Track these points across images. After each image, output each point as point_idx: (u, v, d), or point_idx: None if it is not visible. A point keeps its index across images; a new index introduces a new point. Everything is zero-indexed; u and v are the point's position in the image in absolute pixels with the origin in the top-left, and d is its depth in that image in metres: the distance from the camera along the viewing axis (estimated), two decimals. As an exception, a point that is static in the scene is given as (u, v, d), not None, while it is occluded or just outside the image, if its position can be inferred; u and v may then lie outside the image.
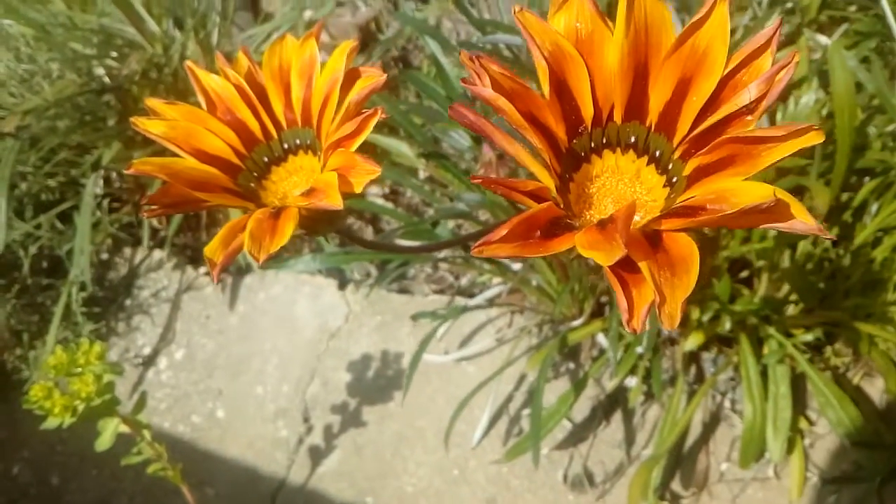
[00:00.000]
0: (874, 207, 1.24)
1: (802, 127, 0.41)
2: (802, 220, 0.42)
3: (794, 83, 1.25)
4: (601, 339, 1.43)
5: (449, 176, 1.36)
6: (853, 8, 1.52)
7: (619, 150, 0.50)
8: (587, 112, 0.48)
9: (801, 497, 1.29)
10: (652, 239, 0.43)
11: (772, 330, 1.25)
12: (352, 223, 1.79)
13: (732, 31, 1.38)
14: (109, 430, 1.12)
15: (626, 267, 0.41)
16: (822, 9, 1.33)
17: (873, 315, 1.26)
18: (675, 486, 1.36)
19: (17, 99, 1.54)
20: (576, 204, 0.49)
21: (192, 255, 1.70)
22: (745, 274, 1.37)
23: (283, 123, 0.66)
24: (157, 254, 1.70)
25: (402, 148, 1.56)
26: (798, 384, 1.30)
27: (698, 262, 0.41)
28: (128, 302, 1.68)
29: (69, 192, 1.61)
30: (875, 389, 1.35)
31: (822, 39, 1.16)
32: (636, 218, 0.48)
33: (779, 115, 1.18)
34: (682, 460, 1.37)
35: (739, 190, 0.43)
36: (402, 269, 1.54)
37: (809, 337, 1.27)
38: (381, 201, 1.79)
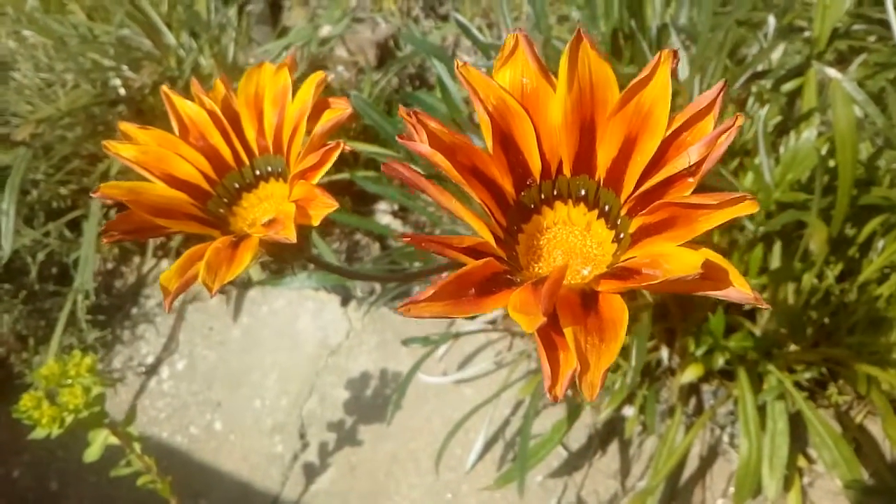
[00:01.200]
0: (881, 244, 1.21)
1: (736, 196, 0.40)
2: (738, 289, 0.41)
3: (801, 116, 1.23)
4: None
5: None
6: (872, 38, 1.49)
7: (570, 201, 0.50)
8: (535, 165, 0.48)
9: (798, 537, 1.26)
10: (587, 299, 0.42)
11: (771, 366, 1.23)
12: (359, 239, 1.79)
13: (741, 60, 1.36)
14: (98, 442, 1.13)
15: (557, 329, 0.40)
16: (834, 40, 1.30)
17: (877, 354, 1.23)
18: (670, 519, 1.34)
19: (32, 107, 1.56)
20: (524, 255, 0.49)
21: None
22: (749, 307, 1.35)
23: (256, 150, 0.66)
24: (164, 264, 1.72)
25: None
26: (798, 421, 1.27)
27: (625, 328, 0.40)
28: (133, 311, 1.70)
29: (80, 201, 1.63)
30: (879, 429, 1.32)
31: (832, 72, 1.14)
32: (584, 272, 0.47)
33: (781, 149, 1.16)
34: (677, 493, 1.34)
35: (672, 256, 0.41)
36: (406, 287, 1.53)
37: (809, 375, 1.25)
38: (389, 218, 1.79)
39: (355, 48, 2.11)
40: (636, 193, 0.46)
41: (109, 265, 1.71)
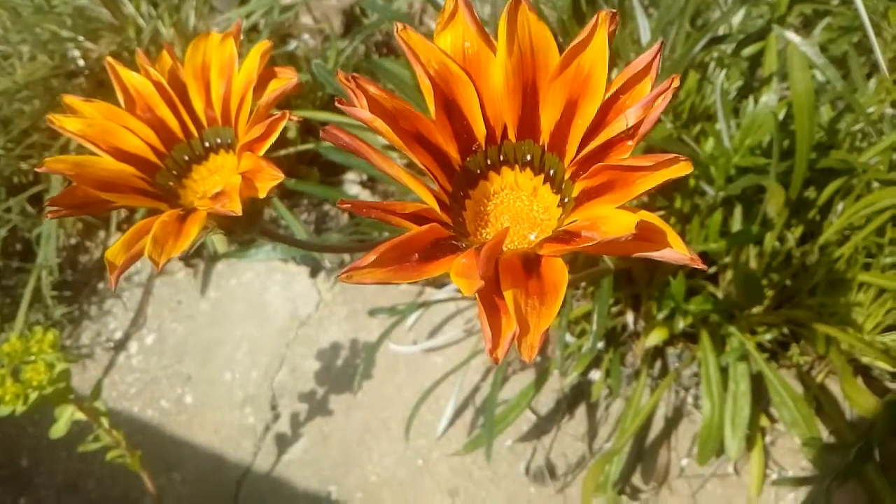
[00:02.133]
0: (840, 206, 1.23)
1: (670, 157, 0.40)
2: (675, 250, 0.41)
3: (764, 79, 1.24)
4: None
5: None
6: (835, 1, 1.50)
7: (517, 167, 0.50)
8: (479, 130, 0.48)
9: (761, 494, 1.29)
10: (530, 263, 0.42)
11: (732, 328, 1.25)
12: (328, 210, 1.79)
13: (703, 25, 1.36)
14: (65, 418, 1.12)
15: (499, 293, 0.40)
16: (795, 4, 1.31)
17: (836, 315, 1.25)
18: (636, 480, 1.36)
19: (-13, 81, 1.53)
20: (472, 222, 0.49)
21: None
22: (713, 270, 1.36)
23: (205, 122, 0.66)
24: (131, 238, 1.70)
25: (376, 137, 1.55)
26: (760, 382, 1.30)
27: (564, 290, 0.41)
28: (100, 285, 1.68)
29: (41, 176, 1.61)
30: (840, 388, 1.35)
31: (792, 36, 1.14)
32: (531, 237, 0.47)
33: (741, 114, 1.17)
34: (643, 455, 1.37)
35: (609, 218, 0.42)
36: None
37: (770, 336, 1.27)
38: (357, 188, 1.78)
39: (320, 15, 2.08)
40: (578, 157, 0.47)
41: (73, 240, 1.69)
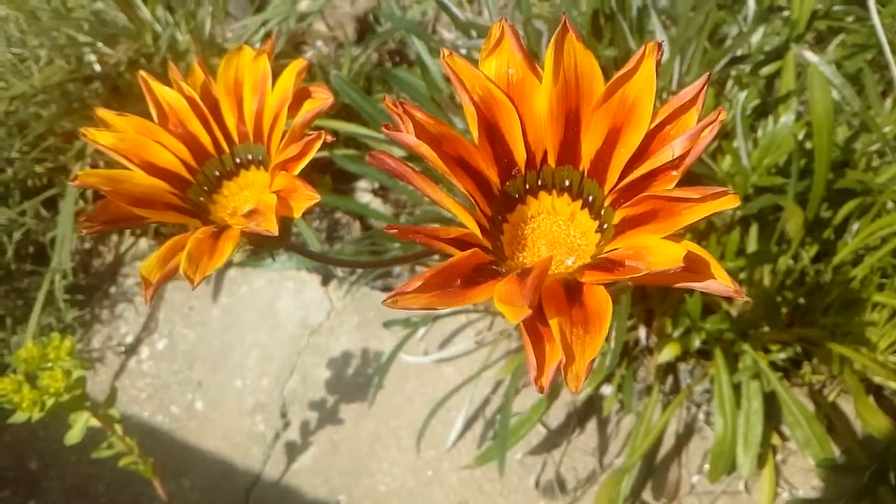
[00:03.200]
0: (855, 226, 1.23)
1: (718, 191, 0.41)
2: (719, 281, 0.41)
3: (779, 99, 1.24)
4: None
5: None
6: (850, 18, 1.50)
7: (554, 192, 0.50)
8: (520, 156, 0.48)
9: (771, 512, 1.29)
10: (572, 290, 0.42)
11: (746, 346, 1.25)
12: (340, 217, 1.79)
13: (721, 40, 1.36)
14: (80, 425, 1.13)
15: (542, 320, 0.41)
16: (814, 20, 1.31)
17: (850, 334, 1.25)
18: (646, 496, 1.36)
19: (5, 84, 1.54)
20: (509, 245, 0.49)
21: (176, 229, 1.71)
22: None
23: (236, 137, 0.66)
24: (143, 242, 1.71)
25: (391, 148, 1.55)
26: (772, 400, 1.30)
27: (609, 320, 0.41)
28: (112, 290, 1.69)
29: (56, 179, 1.61)
30: (851, 407, 1.35)
31: (810, 56, 1.15)
32: (568, 262, 0.47)
33: (759, 132, 1.17)
34: (654, 471, 1.37)
35: (655, 249, 0.42)
36: (387, 268, 1.54)
37: (783, 355, 1.27)
38: (369, 197, 1.79)
39: (334, 23, 2.09)
40: (620, 185, 0.47)
41: (87, 244, 1.69)
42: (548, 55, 0.46)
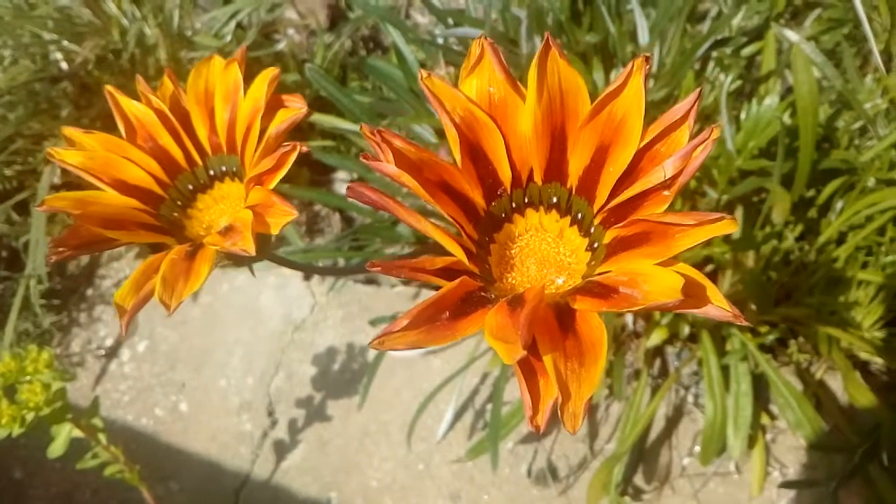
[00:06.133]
0: (839, 205, 1.23)
1: (715, 216, 0.39)
2: (717, 306, 0.40)
3: (762, 77, 1.23)
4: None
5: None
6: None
7: (542, 208, 0.48)
8: (505, 175, 0.46)
9: (762, 492, 1.30)
10: (564, 318, 0.41)
11: (733, 329, 1.24)
12: (319, 210, 1.76)
13: (700, 18, 1.34)
14: (62, 437, 1.10)
15: (534, 352, 0.39)
16: (792, -1, 1.30)
17: (836, 314, 1.25)
18: (638, 480, 1.36)
19: (-32, 86, 1.49)
20: (497, 266, 0.47)
21: (153, 244, 1.67)
22: (710, 268, 1.36)
23: (209, 149, 0.64)
24: (119, 243, 1.67)
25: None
26: (760, 380, 1.30)
27: (606, 351, 0.39)
28: (89, 292, 1.65)
29: (27, 182, 1.57)
30: (838, 384, 1.35)
31: (791, 35, 1.13)
32: (559, 281, 0.46)
33: (742, 114, 1.16)
34: (644, 455, 1.37)
35: (651, 277, 0.40)
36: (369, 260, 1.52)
37: (772, 336, 1.26)
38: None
39: (305, 10, 2.04)
40: (610, 204, 0.45)
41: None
42: (531, 73, 0.44)
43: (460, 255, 0.42)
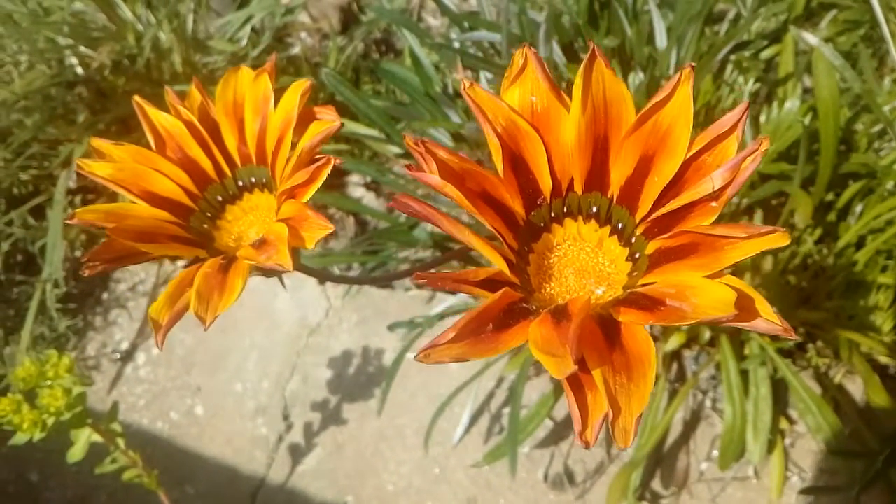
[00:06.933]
0: (858, 208, 1.22)
1: (766, 230, 0.39)
2: (766, 319, 0.39)
3: (780, 80, 1.22)
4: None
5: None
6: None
7: (581, 218, 0.48)
8: (545, 185, 0.46)
9: (781, 497, 1.29)
10: (609, 330, 0.40)
11: (753, 333, 1.24)
12: (333, 213, 1.76)
13: (717, 20, 1.34)
14: (81, 442, 1.11)
15: (581, 365, 0.39)
16: (811, 1, 1.29)
17: (855, 318, 1.24)
18: (656, 485, 1.36)
19: (-16, 91, 1.50)
20: (535, 276, 0.47)
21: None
22: (727, 272, 1.35)
23: (238, 160, 0.64)
24: (135, 247, 1.67)
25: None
26: (779, 384, 1.29)
27: (654, 365, 0.39)
28: (105, 296, 1.66)
29: (43, 186, 1.58)
30: (857, 388, 1.35)
31: (810, 38, 1.13)
32: (598, 292, 0.46)
33: (762, 118, 1.15)
34: (662, 459, 1.37)
35: (700, 290, 0.40)
36: (384, 266, 1.52)
37: (790, 341, 1.26)
38: (362, 190, 1.76)
39: (318, 14, 2.04)
40: (654, 215, 0.45)
41: (77, 252, 1.65)
42: (576, 83, 0.44)
43: (502, 265, 0.42)
